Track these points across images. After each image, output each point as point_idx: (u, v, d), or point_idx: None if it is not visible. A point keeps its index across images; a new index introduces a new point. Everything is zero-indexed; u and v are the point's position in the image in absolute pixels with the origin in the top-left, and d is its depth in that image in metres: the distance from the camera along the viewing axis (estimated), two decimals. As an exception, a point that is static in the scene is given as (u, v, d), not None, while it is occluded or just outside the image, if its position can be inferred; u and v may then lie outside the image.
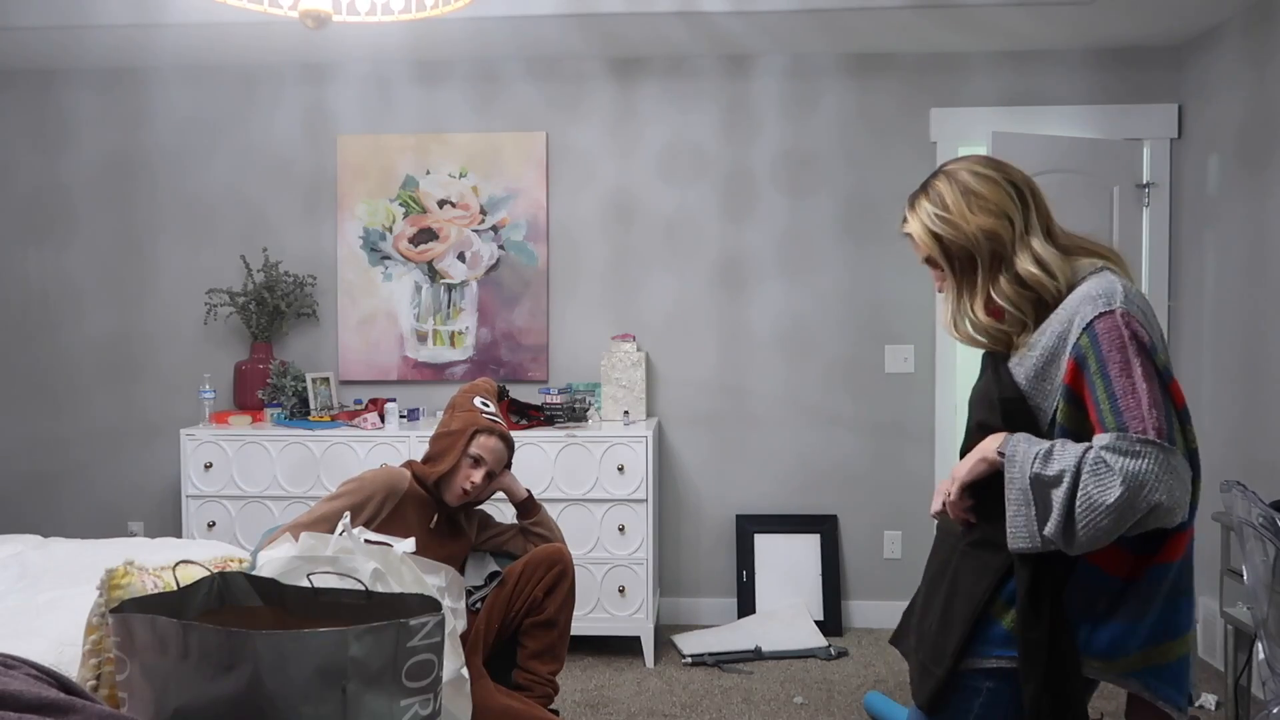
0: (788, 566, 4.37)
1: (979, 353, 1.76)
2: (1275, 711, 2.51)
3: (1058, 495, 1.52)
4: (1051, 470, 1.53)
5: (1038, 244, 1.66)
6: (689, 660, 4.01)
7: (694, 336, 4.46)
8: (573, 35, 4.08)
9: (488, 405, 2.98)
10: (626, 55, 4.39)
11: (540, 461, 3.95)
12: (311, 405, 4.23)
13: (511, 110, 4.48)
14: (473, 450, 2.85)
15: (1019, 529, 1.58)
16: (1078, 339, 1.55)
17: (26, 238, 4.61)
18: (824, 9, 3.76)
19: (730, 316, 4.45)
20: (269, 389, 4.30)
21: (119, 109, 4.56)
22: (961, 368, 4.65)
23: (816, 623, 4.24)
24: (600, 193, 4.46)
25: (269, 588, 1.65)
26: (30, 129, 4.59)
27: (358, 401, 4.39)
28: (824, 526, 4.39)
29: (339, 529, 2.24)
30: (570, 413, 4.12)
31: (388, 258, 4.49)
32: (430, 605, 1.53)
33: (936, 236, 1.68)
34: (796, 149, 4.40)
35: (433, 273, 4.48)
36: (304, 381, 4.27)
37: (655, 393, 4.46)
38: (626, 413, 4.23)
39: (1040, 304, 1.65)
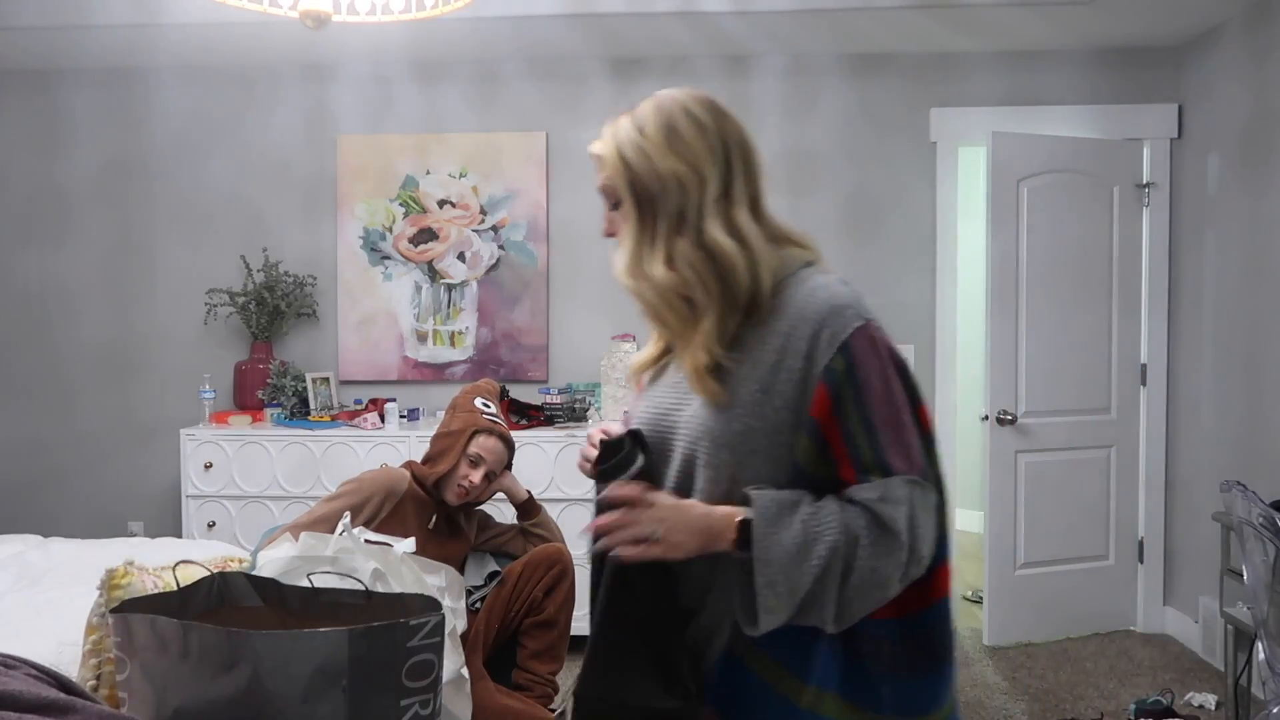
0: (788, 566, 4.37)
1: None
2: (1275, 711, 2.51)
3: (829, 589, 1.23)
4: (815, 562, 1.23)
5: (740, 215, 1.35)
6: (689, 660, 3.99)
7: (694, 336, 4.45)
8: (573, 35, 4.08)
9: (488, 406, 2.98)
10: (626, 55, 4.39)
11: (540, 461, 3.94)
12: (311, 405, 4.23)
13: (511, 110, 4.48)
14: (472, 450, 2.85)
15: (764, 618, 1.25)
16: (830, 361, 1.25)
17: (27, 238, 4.61)
18: (824, 9, 3.76)
19: (730, 316, 4.45)
20: (269, 389, 4.30)
21: (119, 109, 4.56)
22: (962, 368, 4.65)
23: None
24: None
25: (269, 588, 1.65)
26: (30, 129, 4.59)
27: (358, 401, 4.39)
28: (824, 526, 4.39)
29: (339, 529, 2.24)
30: (570, 413, 4.12)
31: (388, 258, 4.49)
32: (430, 605, 1.53)
33: (626, 163, 1.36)
34: (796, 149, 4.40)
35: (433, 273, 4.48)
36: (304, 381, 4.27)
37: (655, 393, 4.46)
38: (626, 412, 4.22)
39: (728, 289, 1.32)
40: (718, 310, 1.33)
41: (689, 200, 1.34)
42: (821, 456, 1.27)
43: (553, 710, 2.83)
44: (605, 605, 1.33)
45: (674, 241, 1.34)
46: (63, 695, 1.16)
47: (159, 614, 1.46)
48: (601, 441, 1.43)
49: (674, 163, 1.34)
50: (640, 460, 1.36)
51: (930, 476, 1.29)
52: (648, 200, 1.35)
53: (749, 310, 1.34)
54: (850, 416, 1.25)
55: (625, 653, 1.32)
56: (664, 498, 1.30)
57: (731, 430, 1.29)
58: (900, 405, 1.27)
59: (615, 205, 1.40)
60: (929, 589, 1.31)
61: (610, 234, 1.42)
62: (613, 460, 1.36)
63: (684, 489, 1.33)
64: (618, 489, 1.31)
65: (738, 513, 1.26)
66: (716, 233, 1.33)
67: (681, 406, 1.37)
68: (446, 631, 2.22)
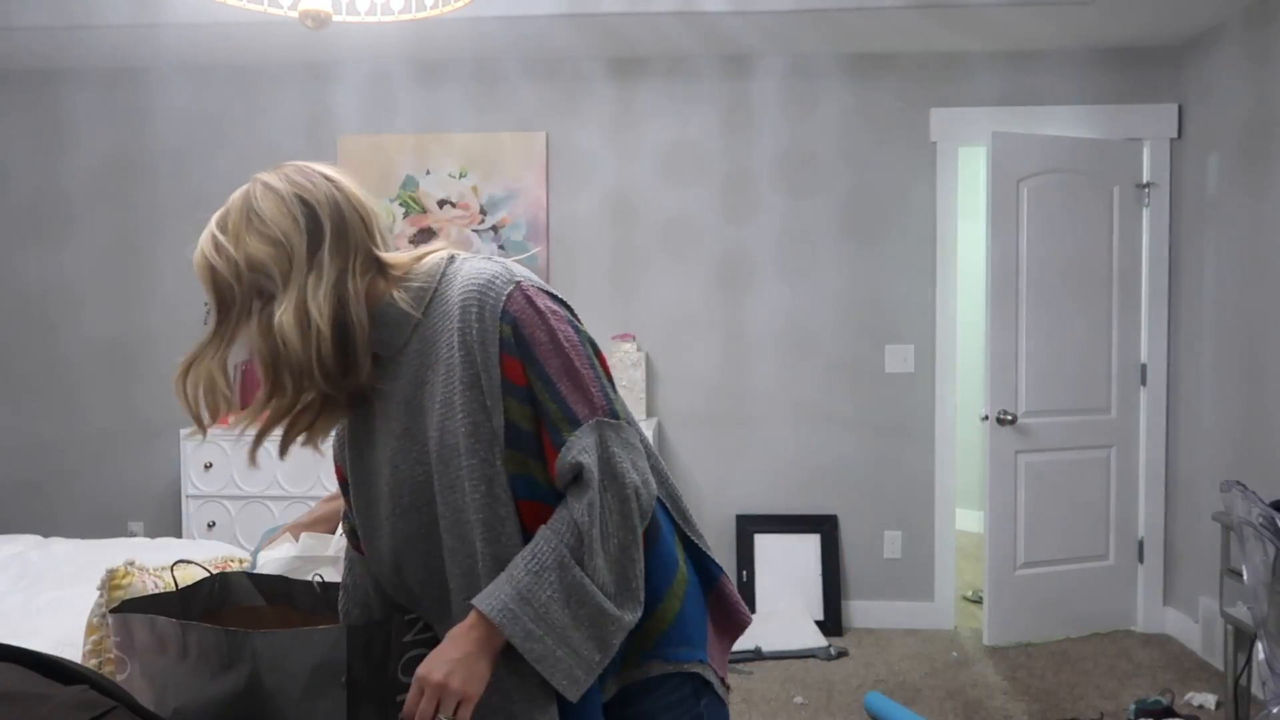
0: (788, 567, 4.37)
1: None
2: (1275, 711, 2.51)
3: (584, 592, 1.23)
4: (548, 588, 1.22)
5: (318, 288, 1.27)
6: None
7: (694, 336, 4.46)
8: (573, 35, 4.08)
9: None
10: (626, 55, 4.39)
11: (540, 461, 3.94)
12: (311, 405, 4.23)
13: (511, 110, 4.48)
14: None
15: (573, 672, 1.24)
16: (500, 332, 1.26)
17: (27, 238, 4.61)
18: (824, 9, 3.76)
19: (730, 316, 4.45)
20: (269, 389, 4.30)
21: (119, 109, 4.56)
22: (962, 368, 4.65)
23: (816, 623, 4.24)
24: (600, 193, 4.46)
25: (275, 585, 1.65)
26: (31, 129, 4.59)
27: (358, 401, 4.39)
28: (824, 526, 4.39)
29: (339, 529, 2.24)
30: (570, 413, 4.11)
31: (388, 258, 4.49)
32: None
33: (209, 269, 1.30)
34: (796, 149, 4.40)
35: (433, 273, 4.48)
36: (304, 381, 4.27)
37: (655, 393, 4.46)
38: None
39: (277, 368, 1.28)
40: (268, 389, 1.31)
41: (273, 280, 1.28)
42: (534, 414, 1.29)
43: None
44: None
45: (242, 330, 1.30)
46: (40, 682, 1.17)
47: (159, 614, 1.46)
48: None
49: (253, 244, 1.28)
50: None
51: (617, 415, 1.29)
52: (228, 297, 1.29)
53: (403, 344, 1.34)
54: (533, 376, 1.27)
55: None
56: (428, 668, 1.25)
57: (462, 434, 1.28)
58: (571, 353, 1.27)
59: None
60: None
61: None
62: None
63: (456, 518, 1.31)
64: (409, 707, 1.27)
65: (470, 611, 1.25)
66: (281, 312, 1.27)
67: (415, 448, 1.34)
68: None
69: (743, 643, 4.08)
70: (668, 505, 1.41)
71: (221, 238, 1.30)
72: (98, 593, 2.12)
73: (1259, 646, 2.63)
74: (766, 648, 4.05)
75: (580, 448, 1.24)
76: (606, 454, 1.25)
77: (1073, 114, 4.31)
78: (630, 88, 4.44)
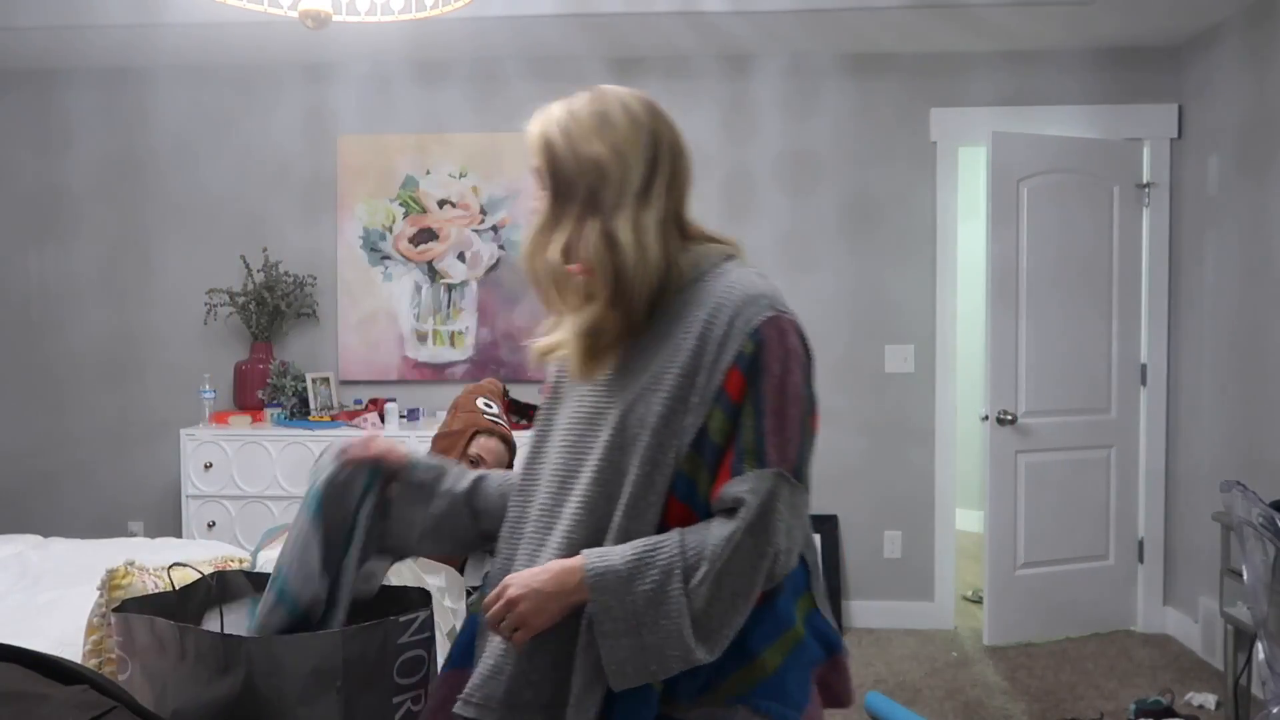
0: (788, 566, 4.37)
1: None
2: (1275, 711, 2.51)
3: (674, 606, 1.24)
4: (647, 584, 1.24)
5: (647, 217, 1.34)
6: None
7: (694, 336, 4.45)
8: (573, 35, 4.08)
9: (490, 406, 2.98)
10: (626, 55, 4.39)
11: (540, 461, 3.94)
12: (311, 405, 4.23)
13: (511, 110, 4.47)
14: (472, 451, 2.85)
15: (624, 667, 1.26)
16: (742, 345, 1.28)
17: (27, 238, 4.61)
18: (824, 9, 3.76)
19: (730, 316, 4.44)
20: (269, 389, 4.30)
21: (119, 109, 4.56)
22: (962, 368, 4.65)
23: (816, 623, 4.24)
24: (600, 193, 4.46)
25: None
26: (31, 129, 4.59)
27: (358, 401, 4.40)
28: (824, 526, 4.39)
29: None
30: (570, 413, 4.11)
31: (388, 258, 4.49)
32: (416, 602, 1.54)
33: (549, 144, 1.37)
34: (796, 149, 4.40)
35: (433, 273, 4.48)
36: (304, 381, 4.27)
37: (655, 393, 4.46)
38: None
39: (620, 283, 1.33)
40: (606, 301, 1.33)
41: (606, 188, 1.34)
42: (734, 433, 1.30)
43: None
44: None
45: (580, 227, 1.34)
46: (39, 682, 1.17)
47: (158, 614, 1.46)
48: None
49: (598, 148, 1.35)
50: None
51: (802, 477, 1.30)
52: (566, 185, 1.35)
53: (655, 304, 1.36)
54: (749, 399, 1.28)
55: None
56: (515, 580, 1.30)
57: (654, 413, 1.30)
58: (791, 399, 1.29)
59: (542, 183, 1.40)
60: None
61: (535, 211, 1.42)
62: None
63: (610, 477, 1.33)
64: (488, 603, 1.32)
65: (576, 561, 1.28)
66: (622, 227, 1.32)
67: (611, 400, 1.37)
68: (445, 631, 2.22)
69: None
70: (809, 570, 1.43)
71: (573, 126, 1.37)
72: (98, 593, 2.12)
73: (1259, 646, 2.63)
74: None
75: (751, 487, 1.25)
76: (770, 506, 1.25)
77: (1073, 114, 4.30)
78: (630, 88, 4.43)
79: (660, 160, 1.38)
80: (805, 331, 1.34)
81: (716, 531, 1.25)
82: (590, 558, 1.27)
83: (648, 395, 1.32)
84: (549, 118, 1.40)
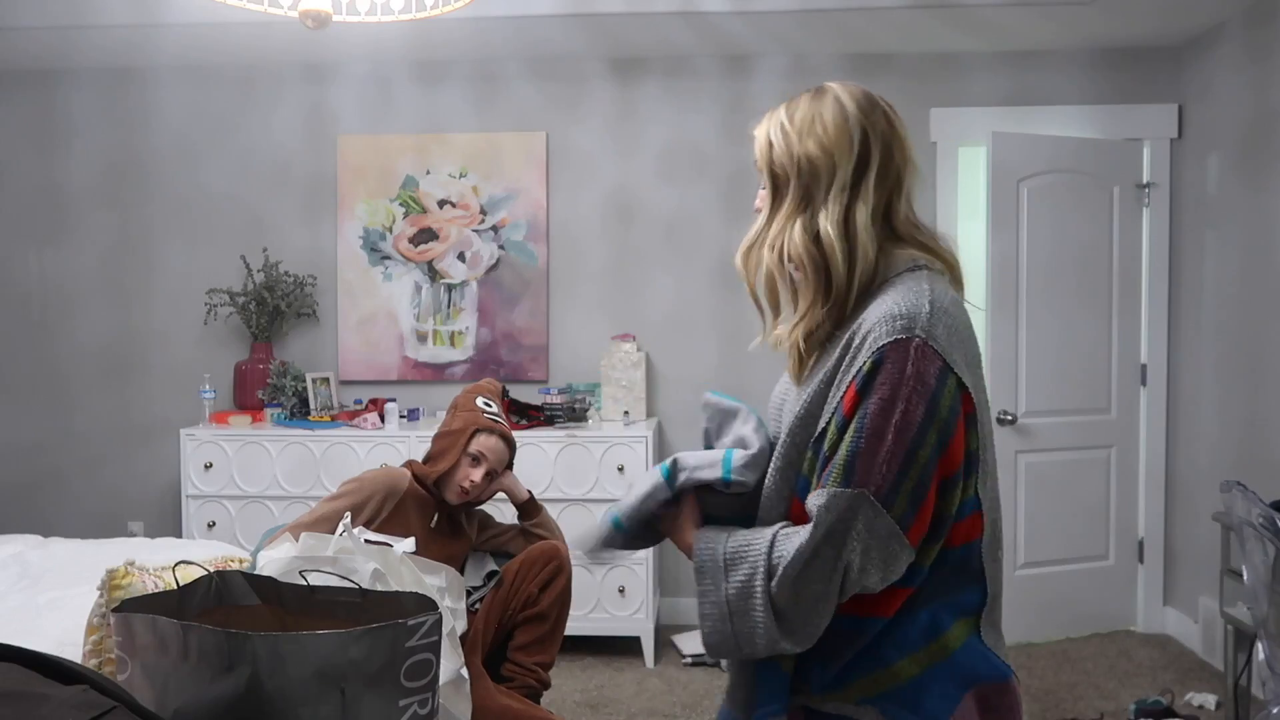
0: (788, 566, 4.37)
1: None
2: (1275, 711, 2.51)
3: (756, 601, 1.31)
4: (738, 577, 1.32)
5: (858, 211, 1.36)
6: (689, 660, 4.01)
7: (694, 336, 4.46)
8: (573, 35, 4.08)
9: (490, 405, 2.98)
10: (626, 55, 4.39)
11: (540, 461, 3.95)
12: (311, 405, 4.23)
13: (511, 110, 4.48)
14: (473, 448, 2.86)
15: (711, 635, 1.36)
16: (863, 363, 1.29)
17: (27, 238, 4.61)
18: (824, 9, 3.76)
19: (730, 316, 4.45)
20: (269, 389, 4.30)
21: (119, 109, 4.56)
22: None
23: (816, 623, 4.24)
24: (600, 193, 4.46)
25: (266, 586, 1.65)
26: (30, 129, 4.59)
27: (358, 401, 4.39)
28: (824, 526, 4.39)
29: (339, 529, 2.25)
30: (570, 413, 4.12)
31: (388, 258, 4.49)
32: (427, 605, 1.54)
33: (770, 145, 1.43)
34: (796, 149, 4.40)
35: (433, 273, 4.48)
36: (304, 381, 4.27)
37: (655, 393, 4.46)
38: (626, 413, 4.23)
39: (826, 282, 1.36)
40: (810, 298, 1.38)
41: (817, 186, 1.38)
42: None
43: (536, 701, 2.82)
44: None
45: (792, 226, 1.39)
46: (39, 682, 1.16)
47: (159, 614, 1.46)
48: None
49: (811, 146, 1.39)
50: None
51: (890, 505, 1.26)
52: (784, 183, 1.41)
53: (846, 304, 1.38)
54: (856, 416, 1.28)
55: None
56: (668, 524, 1.45)
57: (795, 415, 1.37)
58: (895, 427, 1.26)
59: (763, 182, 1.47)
60: (869, 603, 1.34)
61: (758, 210, 1.48)
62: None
63: (771, 469, 1.41)
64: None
65: (695, 535, 1.40)
66: (827, 223, 1.36)
67: (789, 387, 1.47)
68: (445, 632, 2.22)
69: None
70: (987, 597, 1.43)
71: (789, 127, 1.42)
72: (98, 593, 2.12)
73: (1259, 646, 2.63)
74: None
75: (826, 504, 1.27)
76: (845, 524, 1.26)
77: (1073, 114, 4.30)
78: (630, 88, 4.44)
79: (871, 155, 1.39)
80: (958, 370, 1.30)
81: (795, 540, 1.29)
82: (700, 542, 1.37)
83: (802, 393, 1.38)
84: (771, 118, 1.45)
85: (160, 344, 4.58)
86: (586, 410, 4.15)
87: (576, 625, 3.51)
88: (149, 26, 3.91)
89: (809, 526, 1.28)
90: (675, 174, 4.44)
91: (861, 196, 1.37)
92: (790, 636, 1.31)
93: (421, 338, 4.50)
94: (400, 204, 4.48)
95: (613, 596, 3.98)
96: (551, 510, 3.23)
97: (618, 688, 3.77)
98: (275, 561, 2.08)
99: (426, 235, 4.48)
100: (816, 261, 1.36)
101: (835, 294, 1.36)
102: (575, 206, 4.47)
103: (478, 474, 2.85)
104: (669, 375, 4.47)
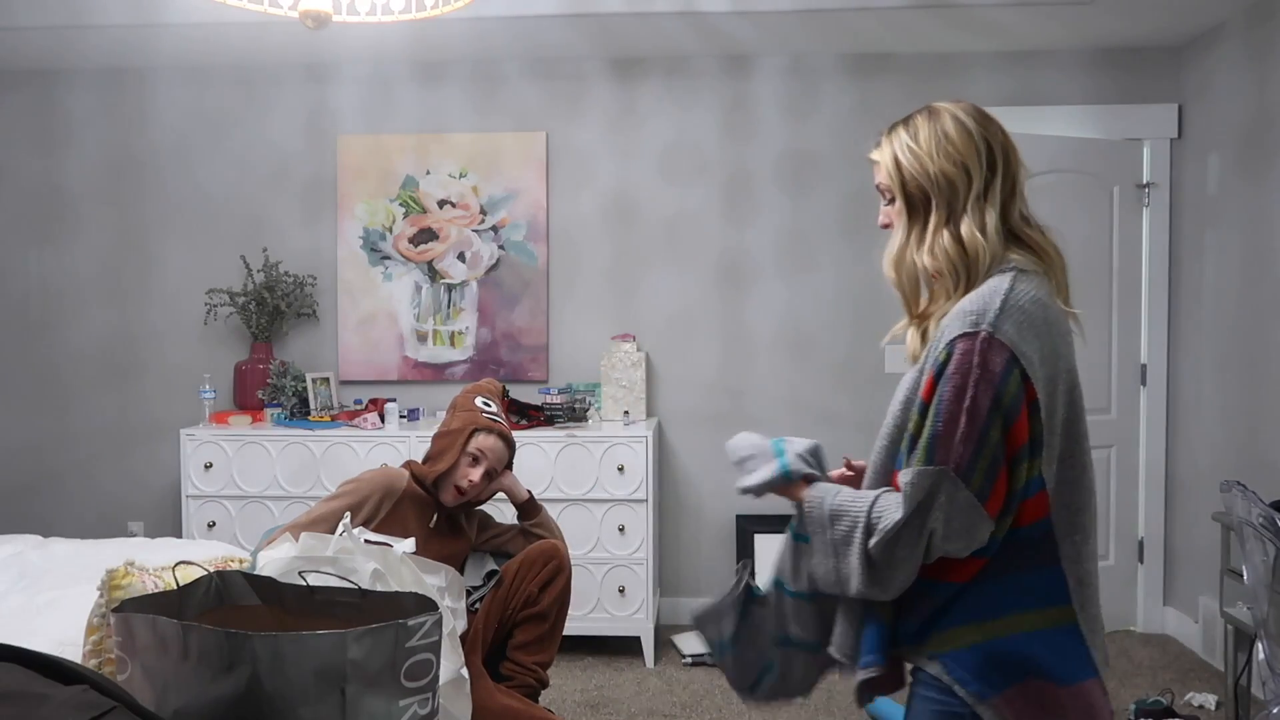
0: (788, 566, 4.37)
1: None
2: (1275, 711, 2.52)
3: (853, 550, 1.51)
4: (841, 527, 1.53)
5: (990, 212, 1.55)
6: (689, 660, 4.00)
7: (694, 336, 4.46)
8: (573, 35, 4.08)
9: (489, 405, 2.98)
10: (626, 55, 4.39)
11: (540, 461, 3.94)
12: (311, 405, 4.23)
13: (511, 110, 4.48)
14: (471, 448, 2.85)
15: (815, 572, 1.60)
16: (939, 355, 1.48)
17: (27, 237, 4.61)
18: (824, 9, 3.76)
19: (730, 316, 4.45)
20: (269, 389, 4.30)
21: (119, 109, 4.56)
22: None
23: (816, 623, 4.24)
24: (600, 193, 4.46)
25: (266, 586, 1.65)
26: (30, 129, 4.59)
27: (358, 401, 4.39)
28: (824, 526, 4.39)
29: (339, 529, 2.24)
30: (570, 413, 4.12)
31: (388, 258, 4.49)
32: (427, 605, 1.54)
33: (899, 166, 1.60)
34: (796, 149, 4.40)
35: (433, 273, 4.48)
36: (304, 381, 4.27)
37: (655, 393, 4.46)
38: (626, 413, 4.23)
39: (967, 280, 1.55)
40: (948, 294, 1.56)
41: (956, 198, 1.56)
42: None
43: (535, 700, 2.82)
44: None
45: (939, 234, 1.56)
46: (39, 682, 1.16)
47: (159, 614, 1.46)
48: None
49: (944, 164, 1.56)
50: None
51: (969, 481, 1.44)
52: (921, 199, 1.59)
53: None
54: (933, 403, 1.47)
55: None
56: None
57: (898, 401, 1.57)
58: (965, 411, 1.44)
59: (889, 201, 1.64)
60: (949, 569, 1.51)
61: (884, 226, 1.67)
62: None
63: (877, 447, 1.61)
64: None
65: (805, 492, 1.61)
66: (973, 229, 1.54)
67: (904, 378, 1.62)
68: (446, 632, 2.22)
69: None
70: (1070, 585, 1.53)
71: (918, 148, 1.59)
72: (98, 593, 2.12)
73: (1259, 646, 2.63)
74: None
75: (911, 480, 1.45)
76: (929, 499, 1.44)
77: (1073, 114, 4.30)
78: (630, 88, 4.44)
79: (996, 163, 1.57)
80: (1027, 360, 1.46)
81: (891, 509, 1.47)
82: (810, 495, 1.59)
83: (905, 378, 1.58)
84: (896, 141, 1.63)
85: (160, 344, 4.58)
86: (586, 410, 4.15)
87: (576, 625, 3.51)
88: (148, 26, 3.91)
89: (900, 498, 1.46)
90: (675, 174, 4.44)
91: (991, 201, 1.56)
92: (877, 586, 1.50)
93: (421, 338, 4.50)
94: (400, 204, 4.48)
95: (613, 596, 3.98)
96: (551, 510, 3.23)
97: (618, 688, 3.77)
98: (275, 561, 2.08)
99: (426, 235, 4.48)
100: (963, 263, 1.54)
101: (969, 287, 1.54)
102: (575, 206, 4.47)
103: (476, 474, 2.85)
104: (669, 375, 4.47)
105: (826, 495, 1.58)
